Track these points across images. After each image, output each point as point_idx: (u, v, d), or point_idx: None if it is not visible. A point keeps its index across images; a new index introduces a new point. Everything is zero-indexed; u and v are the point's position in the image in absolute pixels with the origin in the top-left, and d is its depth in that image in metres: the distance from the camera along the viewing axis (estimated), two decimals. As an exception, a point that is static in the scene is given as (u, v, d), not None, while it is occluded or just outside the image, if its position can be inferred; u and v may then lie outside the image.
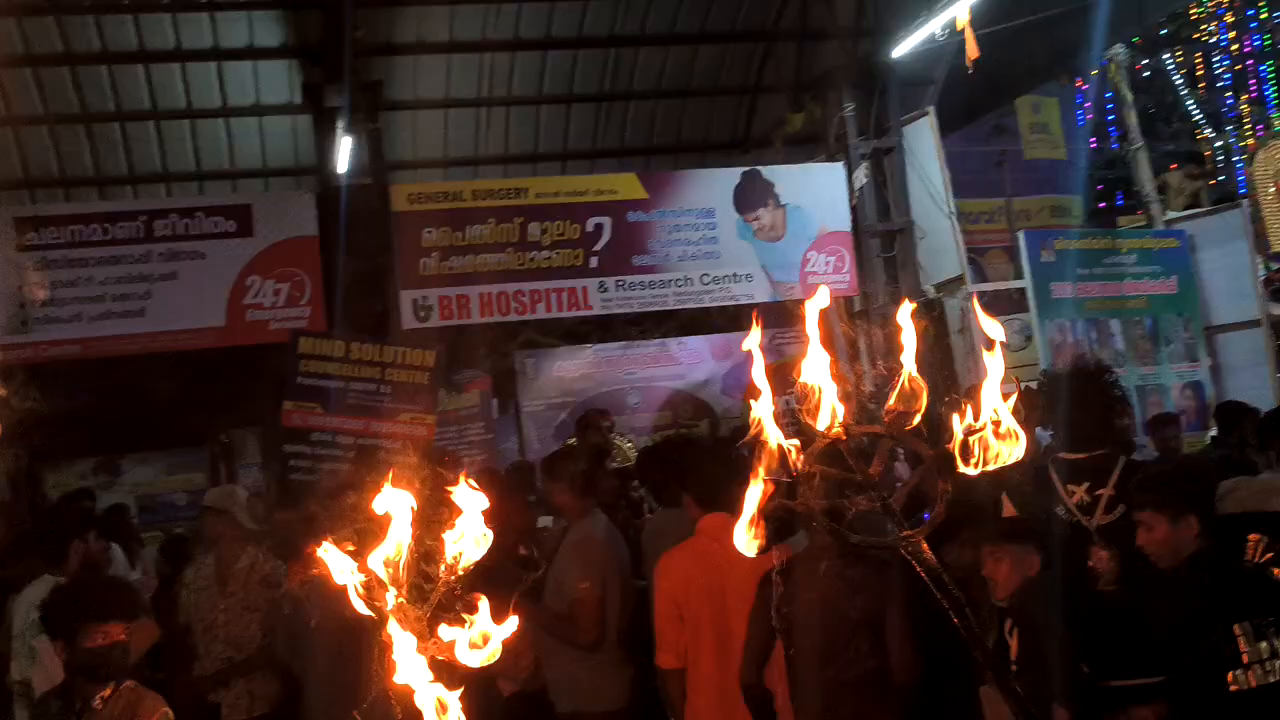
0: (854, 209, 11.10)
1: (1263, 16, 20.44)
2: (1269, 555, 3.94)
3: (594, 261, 10.59)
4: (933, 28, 10.05)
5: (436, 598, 2.00)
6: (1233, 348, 11.21)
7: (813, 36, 11.68)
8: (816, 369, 2.31)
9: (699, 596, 4.61)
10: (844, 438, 2.32)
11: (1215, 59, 20.83)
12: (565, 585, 5.10)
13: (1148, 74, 19.90)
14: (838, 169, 11.18)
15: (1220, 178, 19.40)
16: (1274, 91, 20.40)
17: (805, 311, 2.32)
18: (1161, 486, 4.01)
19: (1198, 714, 3.67)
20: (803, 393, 2.46)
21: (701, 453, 5.69)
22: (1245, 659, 3.57)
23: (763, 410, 2.30)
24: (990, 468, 2.36)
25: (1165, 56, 20.35)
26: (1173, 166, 18.51)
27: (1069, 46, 11.26)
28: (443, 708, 1.89)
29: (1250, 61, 20.63)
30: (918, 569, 2.78)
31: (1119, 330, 11.12)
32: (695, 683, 4.63)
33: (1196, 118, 20.43)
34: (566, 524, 5.46)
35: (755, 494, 2.25)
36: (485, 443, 11.40)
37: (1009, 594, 4.04)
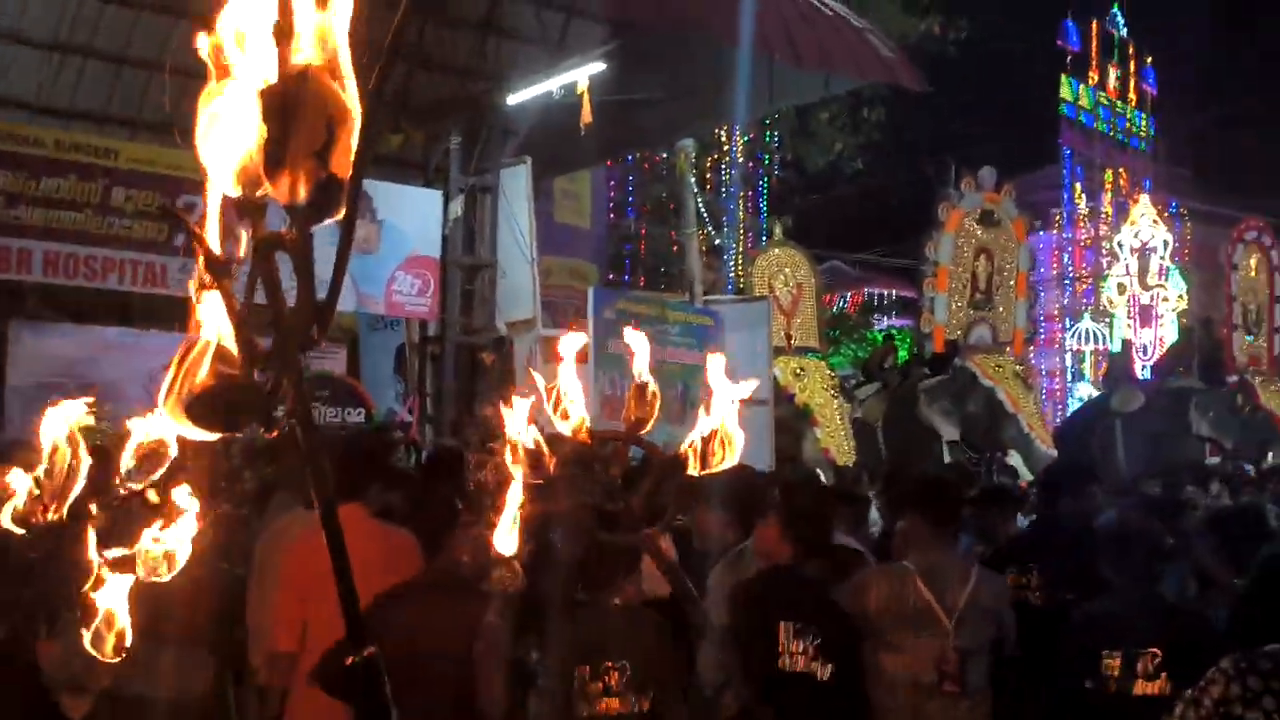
0: (445, 238, 11.46)
1: (766, 139, 23.43)
2: None
3: (179, 239, 10.09)
4: (551, 85, 10.75)
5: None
6: (745, 421, 12.77)
7: (427, 65, 11.95)
8: (568, 383, 2.60)
9: (325, 581, 4.63)
10: (589, 441, 2.60)
11: (724, 164, 23.47)
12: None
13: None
14: (436, 196, 11.51)
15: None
16: (765, 204, 23.41)
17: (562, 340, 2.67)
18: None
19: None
20: (554, 401, 2.71)
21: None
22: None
23: (516, 416, 2.51)
24: (712, 470, 2.79)
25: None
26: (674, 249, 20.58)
27: (661, 127, 12.42)
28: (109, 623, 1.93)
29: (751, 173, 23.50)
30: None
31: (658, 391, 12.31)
32: (308, 667, 4.49)
33: (703, 214, 22.91)
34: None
35: (515, 495, 2.45)
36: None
37: None
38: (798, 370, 14.62)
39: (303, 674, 4.53)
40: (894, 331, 23.21)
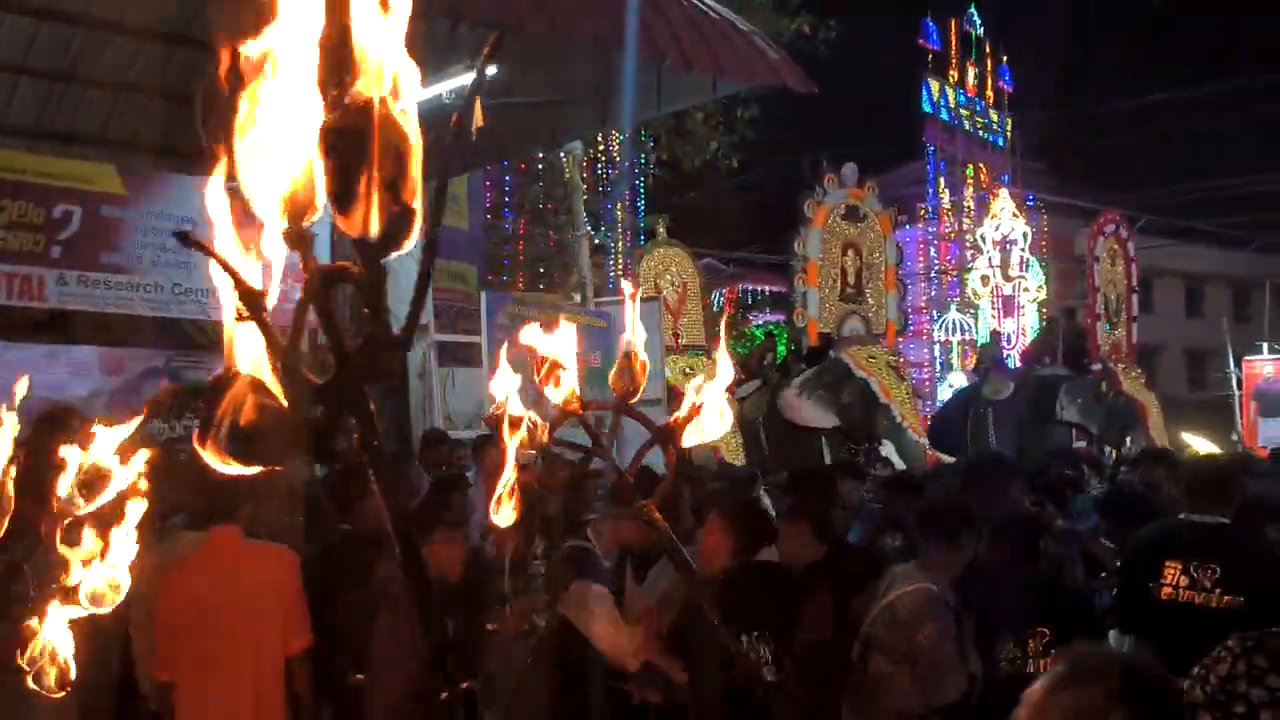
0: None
1: (642, 138, 23.56)
2: None
3: (56, 251, 9.74)
4: (441, 89, 10.65)
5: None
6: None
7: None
8: (563, 352, 2.56)
9: (205, 609, 4.61)
10: (580, 410, 2.59)
11: (601, 164, 23.49)
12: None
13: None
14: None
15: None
16: (644, 204, 23.52)
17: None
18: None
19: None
20: (541, 370, 2.57)
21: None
22: None
23: (507, 387, 2.38)
24: (705, 440, 2.81)
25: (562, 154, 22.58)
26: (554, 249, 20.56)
27: (549, 130, 12.39)
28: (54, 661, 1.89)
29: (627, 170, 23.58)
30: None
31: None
32: (188, 695, 4.61)
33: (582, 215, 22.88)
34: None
35: (510, 469, 2.33)
36: None
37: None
38: (687, 369, 14.75)
39: (176, 702, 4.56)
40: (773, 329, 23.57)
